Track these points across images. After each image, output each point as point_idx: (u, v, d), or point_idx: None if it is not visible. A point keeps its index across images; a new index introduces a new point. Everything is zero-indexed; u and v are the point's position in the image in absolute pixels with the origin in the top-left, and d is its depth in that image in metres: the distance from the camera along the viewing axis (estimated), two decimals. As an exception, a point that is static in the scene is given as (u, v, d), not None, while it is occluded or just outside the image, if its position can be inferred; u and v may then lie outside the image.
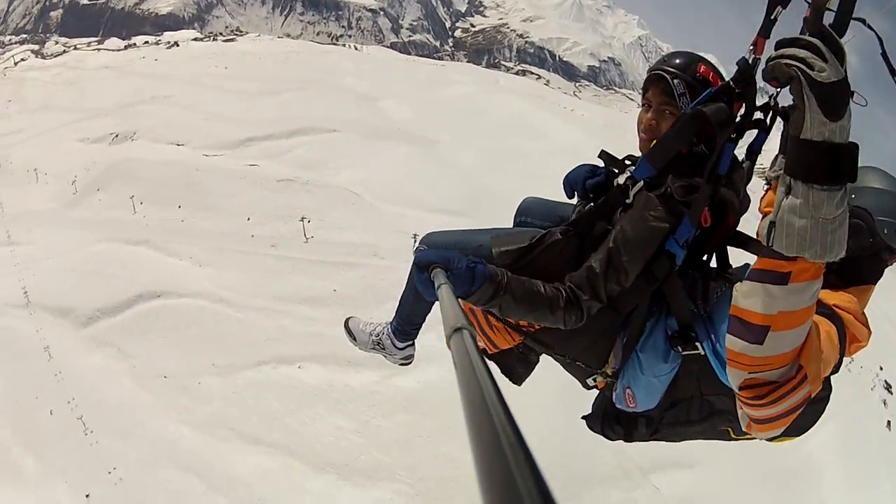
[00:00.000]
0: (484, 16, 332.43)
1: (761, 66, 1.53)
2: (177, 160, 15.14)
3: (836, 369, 1.78)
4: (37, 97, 23.06)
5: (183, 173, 14.36)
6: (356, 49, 40.67)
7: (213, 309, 9.65)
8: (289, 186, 12.88)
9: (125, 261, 11.94)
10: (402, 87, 18.30)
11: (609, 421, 2.24)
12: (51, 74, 26.92)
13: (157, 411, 8.99)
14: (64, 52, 36.38)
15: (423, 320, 2.66)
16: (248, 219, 12.28)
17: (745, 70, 1.79)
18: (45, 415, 9.54)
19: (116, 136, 17.76)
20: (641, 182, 1.97)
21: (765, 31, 1.77)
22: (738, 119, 1.80)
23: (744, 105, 1.81)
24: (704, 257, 2.00)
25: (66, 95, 21.84)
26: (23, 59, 43.34)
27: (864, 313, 1.96)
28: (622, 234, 1.90)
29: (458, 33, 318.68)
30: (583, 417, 2.33)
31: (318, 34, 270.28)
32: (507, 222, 2.47)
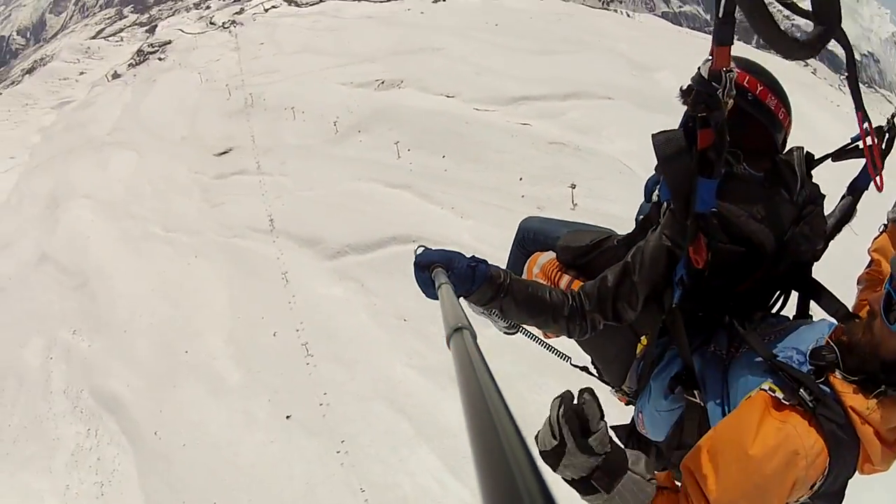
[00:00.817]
0: None
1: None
2: (445, 110, 15.50)
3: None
4: (293, 41, 24.79)
5: (451, 124, 14.68)
6: (628, 16, 40.30)
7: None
8: (560, 150, 12.53)
9: (384, 202, 12.29)
10: (675, 58, 17.28)
11: (632, 438, 2.21)
12: (308, 21, 29.09)
13: (387, 350, 8.78)
14: (320, 1, 39.67)
15: None
16: (521, 178, 11.96)
17: (702, 88, 1.54)
18: (267, 335, 9.78)
19: (382, 82, 18.36)
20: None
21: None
22: (706, 150, 1.60)
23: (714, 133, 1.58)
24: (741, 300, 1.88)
25: (325, 41, 23.19)
26: (273, 7, 47.74)
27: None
28: (640, 250, 1.85)
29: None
30: (612, 427, 1.91)
31: None
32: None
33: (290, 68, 22.06)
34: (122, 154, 18.22)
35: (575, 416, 1.42)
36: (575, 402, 1.45)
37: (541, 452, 1.43)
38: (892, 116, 1.95)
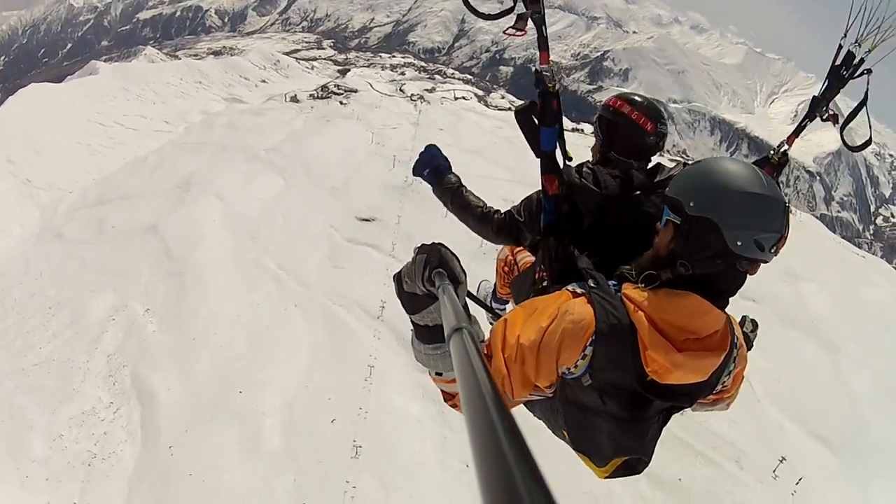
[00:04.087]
0: None
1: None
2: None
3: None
4: (471, 139, 25.82)
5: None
6: (792, 212, 40.41)
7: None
8: None
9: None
10: (827, 274, 17.00)
11: None
12: (491, 125, 30.11)
13: (435, 491, 8.38)
14: (510, 108, 42.02)
15: None
16: None
17: (537, 76, 2.79)
18: (325, 418, 9.42)
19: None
20: None
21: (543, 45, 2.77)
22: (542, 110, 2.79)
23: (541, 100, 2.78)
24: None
25: (502, 151, 23.72)
26: (463, 98, 50.74)
27: (695, 333, 2.06)
28: (528, 196, 3.36)
29: (878, 220, 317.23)
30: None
31: None
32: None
33: (460, 166, 22.60)
34: (271, 176, 19.45)
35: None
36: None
37: (409, 294, 1.90)
38: (780, 147, 3.36)
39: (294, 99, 44.63)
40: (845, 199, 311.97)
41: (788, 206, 2.15)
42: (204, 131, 28.67)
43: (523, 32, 2.65)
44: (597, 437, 2.35)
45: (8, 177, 28.21)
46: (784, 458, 9.03)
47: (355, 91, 52.91)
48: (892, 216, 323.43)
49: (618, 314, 2.05)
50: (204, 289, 13.14)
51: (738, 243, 2.06)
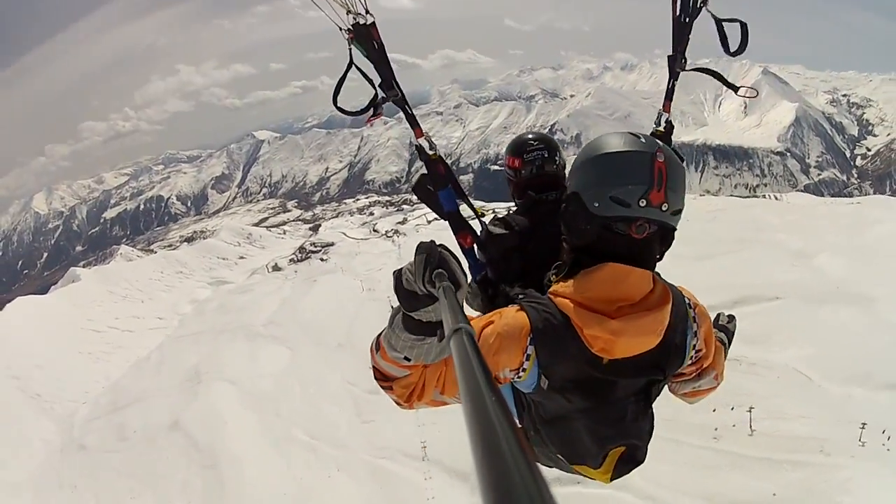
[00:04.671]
0: (874, 135, 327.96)
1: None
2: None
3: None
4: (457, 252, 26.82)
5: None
6: (776, 199, 40.15)
7: (636, 505, 9.08)
8: (733, 368, 12.42)
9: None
10: (830, 236, 17.08)
11: None
12: None
13: None
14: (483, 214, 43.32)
15: None
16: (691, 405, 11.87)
17: (417, 150, 3.07)
18: None
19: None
20: None
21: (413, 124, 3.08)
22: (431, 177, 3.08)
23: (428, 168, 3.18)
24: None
25: None
26: (436, 218, 52.36)
27: (615, 300, 2.13)
28: None
29: (858, 161, 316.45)
30: None
31: (735, 186, 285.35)
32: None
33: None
34: (275, 348, 19.82)
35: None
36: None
37: (410, 293, 1.77)
38: (663, 120, 3.53)
39: (276, 268, 45.60)
40: (820, 159, 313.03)
41: (658, 155, 2.13)
42: (198, 320, 29.26)
43: (379, 115, 2.89)
44: (580, 440, 2.37)
45: (17, 393, 28.45)
46: (864, 424, 9.02)
47: (332, 244, 54.14)
48: (868, 149, 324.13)
49: (549, 310, 2.16)
50: (241, 474, 13.26)
51: (595, 204, 2.14)
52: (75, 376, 31.00)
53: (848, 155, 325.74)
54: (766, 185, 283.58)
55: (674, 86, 3.62)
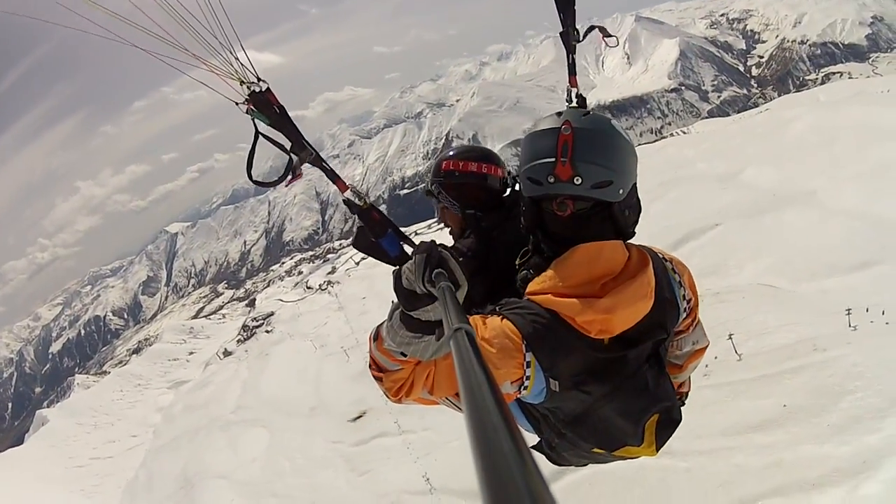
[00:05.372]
0: (762, 41, 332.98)
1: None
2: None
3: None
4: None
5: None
6: (684, 132, 41.36)
7: (656, 464, 9.10)
8: (702, 303, 12.71)
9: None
10: (749, 149, 17.42)
11: None
12: None
13: None
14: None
15: None
16: None
17: (346, 204, 2.58)
18: None
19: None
20: None
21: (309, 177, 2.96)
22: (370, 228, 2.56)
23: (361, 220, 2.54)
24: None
25: None
26: (363, 258, 51.98)
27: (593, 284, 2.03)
28: None
29: (753, 71, 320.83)
30: None
31: (640, 135, 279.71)
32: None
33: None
34: (252, 432, 19.31)
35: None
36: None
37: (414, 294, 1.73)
38: (573, 95, 3.41)
39: (227, 353, 44.46)
40: (715, 82, 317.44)
41: (564, 128, 2.08)
42: (170, 427, 28.30)
43: (299, 176, 2.69)
44: (613, 425, 2.28)
45: None
46: (849, 309, 9.12)
47: (272, 314, 53.00)
48: (760, 56, 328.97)
49: (533, 311, 2.05)
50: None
51: (523, 186, 2.17)
52: (73, 515, 29.92)
53: (742, 69, 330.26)
54: (670, 125, 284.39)
55: (573, 60, 3.59)
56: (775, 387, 9.07)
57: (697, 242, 13.81)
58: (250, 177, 2.61)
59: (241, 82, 2.47)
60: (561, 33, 3.51)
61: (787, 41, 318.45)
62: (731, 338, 10.42)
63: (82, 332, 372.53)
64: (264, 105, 2.52)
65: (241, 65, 2.47)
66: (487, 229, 3.08)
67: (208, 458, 19.44)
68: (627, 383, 2.20)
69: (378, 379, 2.18)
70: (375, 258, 2.65)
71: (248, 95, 2.48)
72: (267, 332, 40.89)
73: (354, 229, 2.73)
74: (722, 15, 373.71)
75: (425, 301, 1.73)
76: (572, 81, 3.51)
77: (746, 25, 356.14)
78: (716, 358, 10.26)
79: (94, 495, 33.25)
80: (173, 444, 23.91)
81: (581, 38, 3.55)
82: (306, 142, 2.64)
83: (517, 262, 2.39)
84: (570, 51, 3.56)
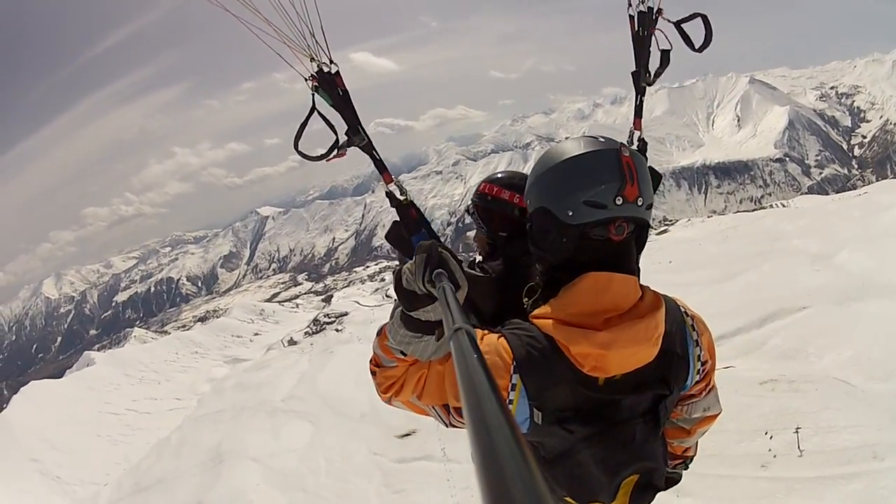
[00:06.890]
0: (867, 121, 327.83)
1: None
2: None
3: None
4: None
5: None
6: (783, 206, 39.86)
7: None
8: (774, 388, 11.91)
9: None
10: (845, 232, 16.41)
11: None
12: None
13: None
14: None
15: None
16: (736, 436, 11.55)
17: (391, 202, 2.96)
18: None
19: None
20: None
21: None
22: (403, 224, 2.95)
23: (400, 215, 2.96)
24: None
25: None
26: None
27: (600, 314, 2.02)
28: None
29: (856, 151, 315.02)
30: None
31: (740, 202, 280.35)
32: None
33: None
34: (297, 424, 19.44)
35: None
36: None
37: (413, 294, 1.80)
38: (635, 139, 3.28)
39: (291, 342, 45.23)
40: (819, 157, 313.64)
41: (623, 150, 2.07)
42: (216, 399, 28.87)
43: (342, 154, 2.85)
44: (589, 473, 2.20)
45: (37, 476, 28.18)
46: None
47: (346, 314, 53.76)
48: (863, 136, 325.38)
49: (531, 333, 2.05)
50: (275, 555, 12.80)
51: (570, 213, 2.05)
52: (95, 459, 30.88)
53: (845, 147, 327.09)
54: (770, 195, 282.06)
55: (641, 102, 3.50)
56: (828, 490, 8.50)
57: (783, 322, 13.30)
58: (296, 147, 2.78)
59: (312, 59, 2.69)
60: (633, 73, 3.42)
61: (890, 123, 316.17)
62: (797, 431, 9.93)
63: (152, 289, 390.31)
64: (330, 85, 2.74)
65: (316, 42, 2.66)
66: (511, 255, 3.18)
67: (247, 438, 19.69)
68: (613, 431, 2.15)
69: (373, 373, 2.27)
70: (403, 253, 2.86)
71: (316, 72, 2.70)
72: (337, 330, 41.48)
73: (389, 225, 2.96)
74: (832, 88, 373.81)
75: (425, 301, 1.79)
76: (636, 124, 3.41)
77: (854, 101, 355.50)
78: (778, 452, 9.73)
79: (120, 444, 34.29)
80: (215, 417, 24.36)
81: (651, 81, 3.43)
82: (362, 128, 2.82)
83: (524, 299, 2.32)
84: (640, 92, 3.47)
